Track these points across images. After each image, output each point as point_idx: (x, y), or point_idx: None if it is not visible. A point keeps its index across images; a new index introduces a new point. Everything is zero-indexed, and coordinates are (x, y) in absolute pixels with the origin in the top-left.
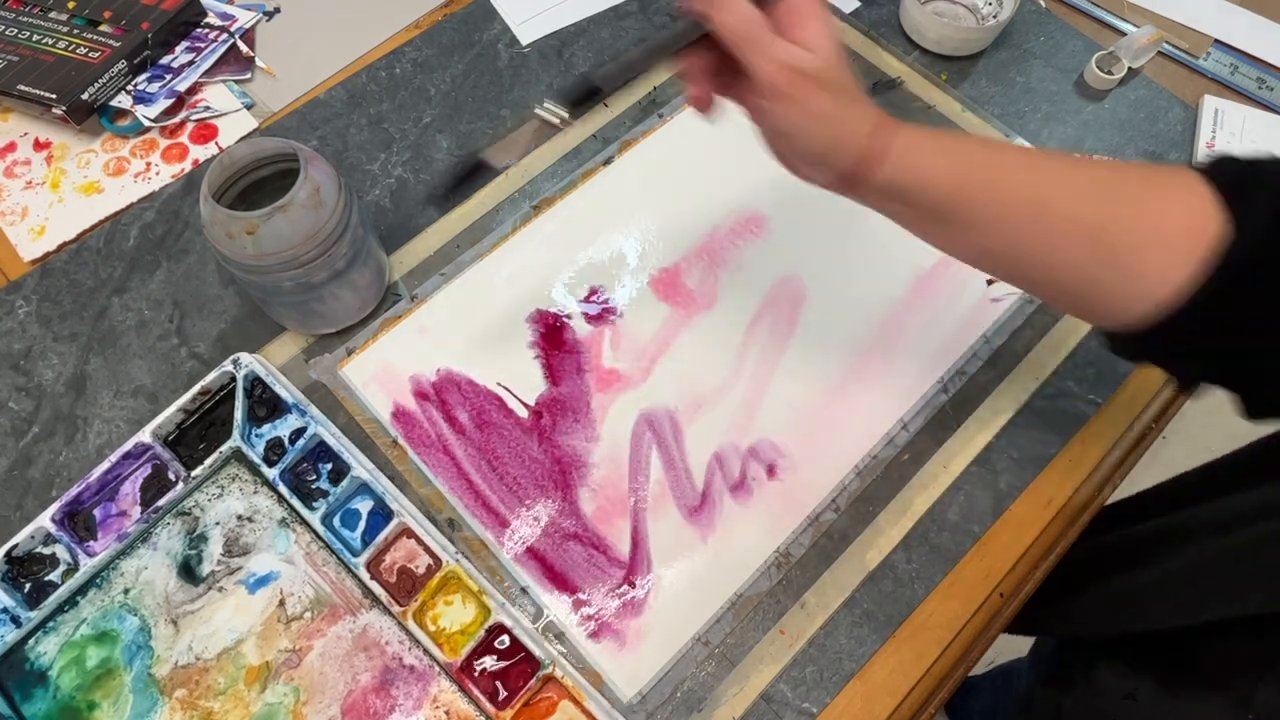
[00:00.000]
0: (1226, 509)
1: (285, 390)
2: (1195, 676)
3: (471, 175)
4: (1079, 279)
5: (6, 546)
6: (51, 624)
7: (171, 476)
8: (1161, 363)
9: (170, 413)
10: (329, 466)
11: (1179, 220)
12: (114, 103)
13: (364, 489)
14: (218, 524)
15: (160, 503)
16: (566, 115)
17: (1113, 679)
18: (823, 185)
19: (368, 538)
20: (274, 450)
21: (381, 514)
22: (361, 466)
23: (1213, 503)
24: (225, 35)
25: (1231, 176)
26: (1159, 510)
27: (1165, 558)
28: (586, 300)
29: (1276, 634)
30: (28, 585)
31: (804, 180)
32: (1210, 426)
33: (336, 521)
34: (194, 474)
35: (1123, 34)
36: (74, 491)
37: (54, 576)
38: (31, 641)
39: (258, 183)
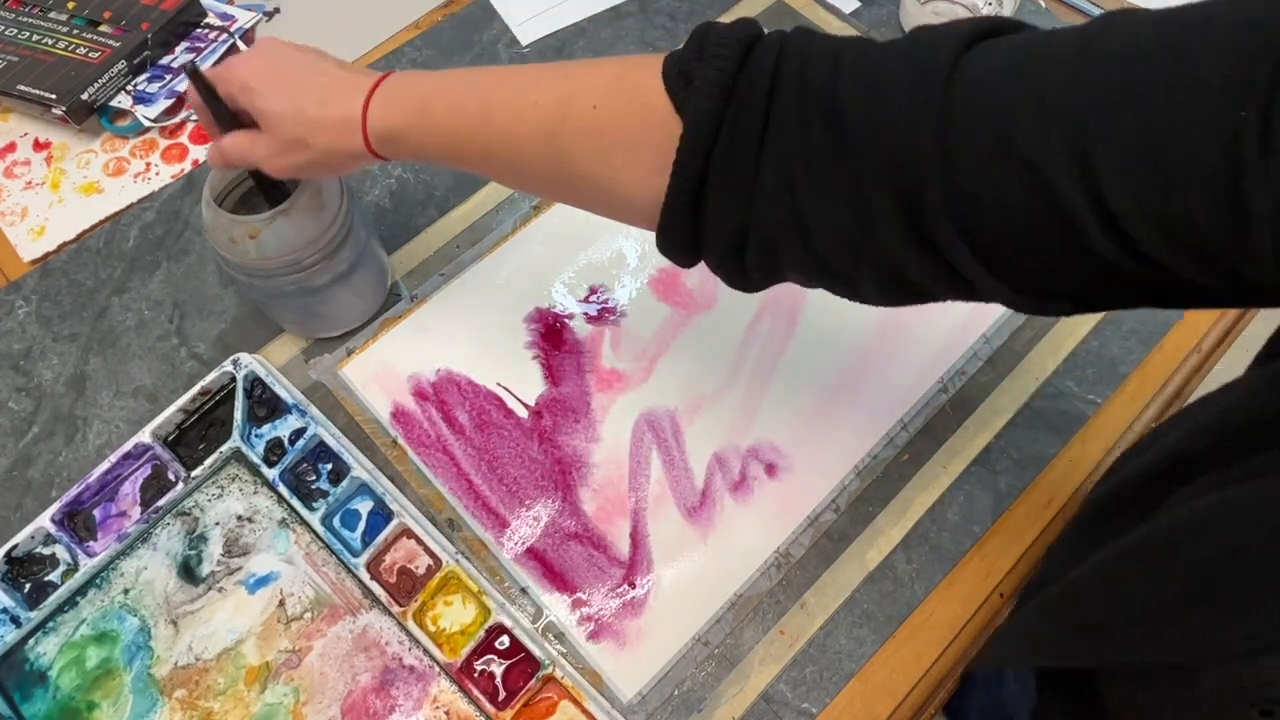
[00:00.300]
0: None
1: (285, 390)
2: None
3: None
4: (590, 205)
5: (6, 547)
6: (51, 624)
7: (171, 477)
8: (717, 271)
9: (170, 413)
10: (329, 467)
11: (636, 134)
12: (114, 103)
13: (364, 489)
14: (218, 524)
15: (160, 503)
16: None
17: (1114, 697)
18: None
19: (368, 538)
20: (274, 450)
21: (381, 514)
22: (361, 467)
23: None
24: (225, 35)
25: (680, 65)
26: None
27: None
28: (586, 300)
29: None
30: (28, 585)
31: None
32: None
33: (336, 522)
34: (194, 474)
35: None
36: (74, 492)
37: (54, 577)
38: (31, 642)
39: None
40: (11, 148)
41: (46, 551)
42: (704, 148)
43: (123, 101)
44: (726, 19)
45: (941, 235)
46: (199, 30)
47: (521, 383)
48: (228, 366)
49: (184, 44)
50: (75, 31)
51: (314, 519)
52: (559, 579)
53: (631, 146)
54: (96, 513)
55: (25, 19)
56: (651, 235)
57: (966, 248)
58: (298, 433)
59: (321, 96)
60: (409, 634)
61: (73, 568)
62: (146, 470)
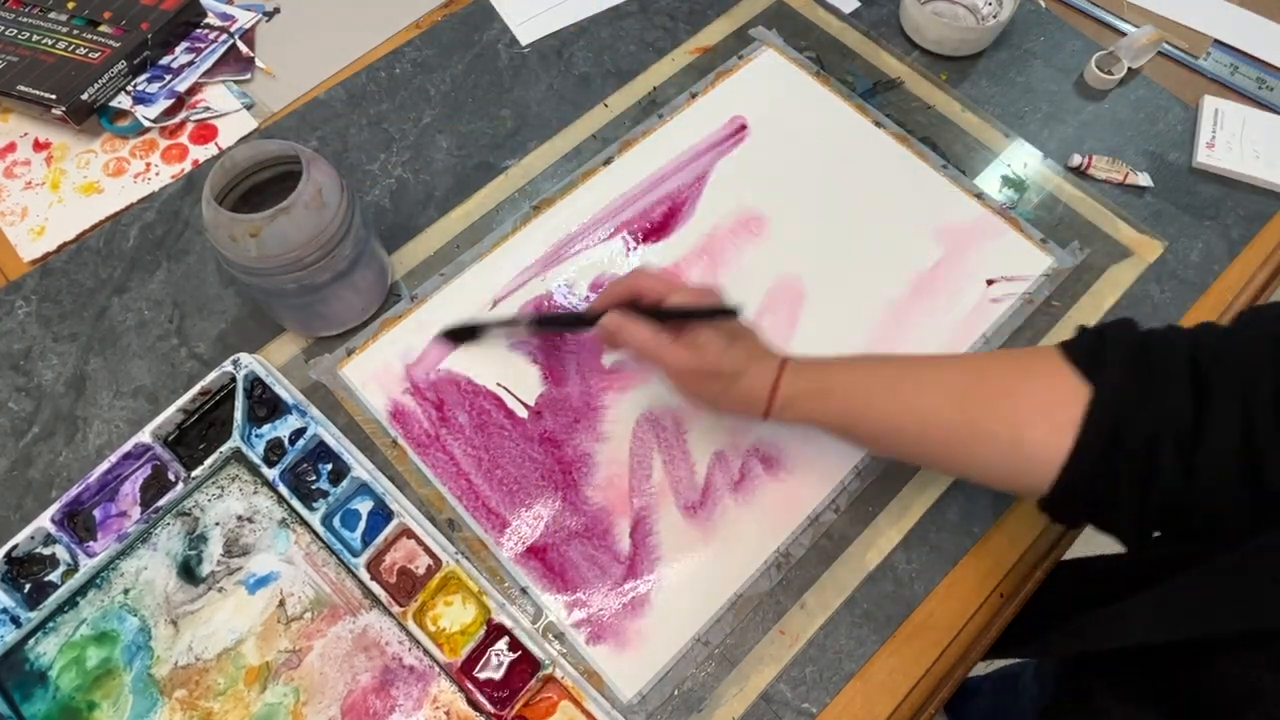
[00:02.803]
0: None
1: (285, 390)
2: (1195, 705)
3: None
4: (981, 462)
5: (6, 547)
6: (51, 624)
7: (171, 477)
8: (1097, 526)
9: (170, 413)
10: (329, 467)
11: (1048, 398)
12: (114, 103)
13: (364, 489)
14: (218, 524)
15: (160, 503)
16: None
17: (1113, 704)
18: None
19: (368, 538)
20: (274, 450)
21: (381, 514)
22: (361, 467)
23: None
24: (225, 35)
25: (1086, 348)
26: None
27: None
28: (587, 299)
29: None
30: (28, 585)
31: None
32: None
33: (336, 522)
34: (194, 474)
35: (1123, 34)
36: (74, 492)
37: (54, 577)
38: (31, 642)
39: (258, 186)
40: (11, 148)
41: (46, 551)
42: (1115, 410)
43: (123, 102)
44: (726, 19)
45: None
46: (199, 30)
47: (521, 383)
48: (228, 366)
49: (184, 44)
50: (75, 32)
51: (314, 519)
52: (559, 579)
53: (1040, 407)
54: (96, 513)
55: (25, 19)
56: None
57: None
58: (298, 433)
59: (756, 348)
60: (409, 634)
61: (73, 568)
62: (146, 470)
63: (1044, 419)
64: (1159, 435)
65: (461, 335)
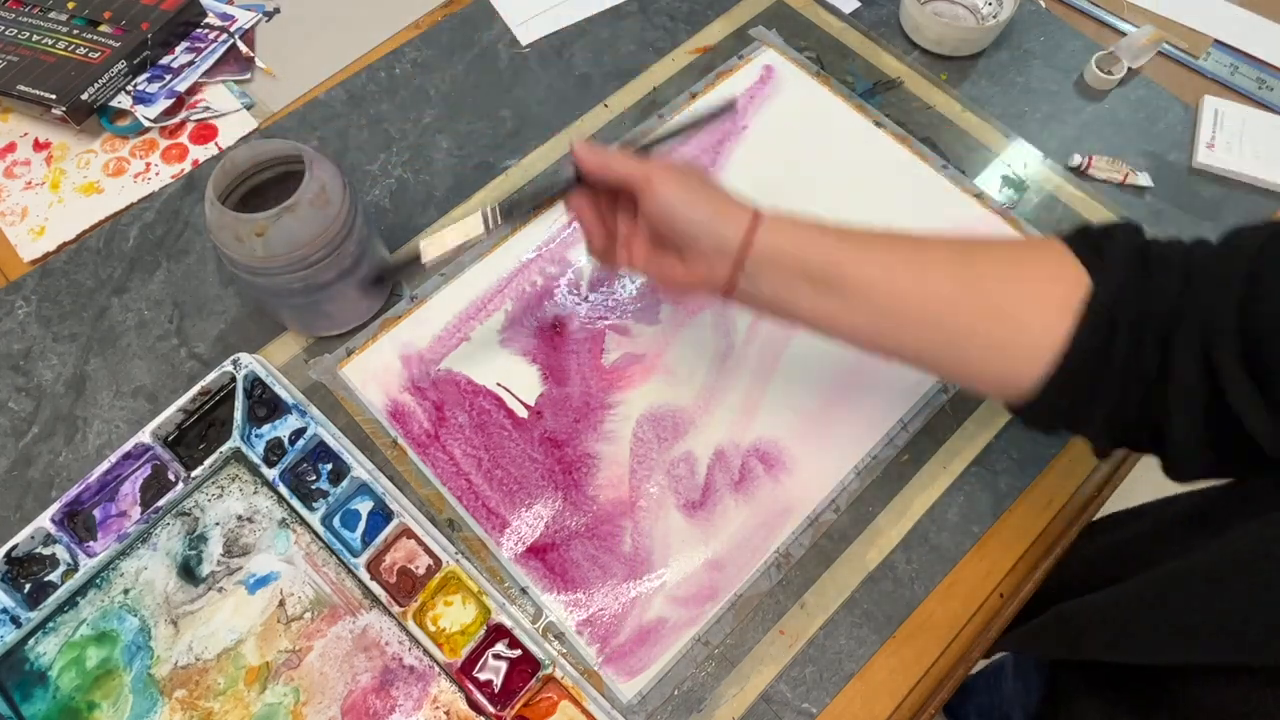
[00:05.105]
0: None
1: (285, 391)
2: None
3: (405, 268)
4: (972, 340)
5: (6, 547)
6: (51, 624)
7: (171, 477)
8: (1071, 426)
9: (170, 413)
10: (329, 467)
11: (1049, 284)
12: (114, 103)
13: (364, 489)
14: (217, 524)
15: (160, 503)
16: (489, 226)
17: (1095, 712)
18: (707, 281)
19: (368, 538)
20: (274, 451)
21: (381, 514)
22: (361, 467)
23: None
24: (225, 35)
25: (1088, 241)
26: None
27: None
28: (586, 300)
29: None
30: (28, 585)
31: (689, 291)
32: None
33: (336, 522)
34: (194, 474)
35: (1123, 34)
36: (74, 492)
37: (54, 577)
38: (31, 642)
39: (258, 188)
40: (11, 148)
41: (46, 551)
42: (1116, 299)
43: (123, 101)
44: (726, 19)
45: None
46: (199, 30)
47: (521, 382)
48: (228, 366)
49: (184, 44)
50: (75, 31)
51: (314, 519)
52: (559, 579)
53: (1041, 292)
54: (96, 513)
55: (25, 19)
56: None
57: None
58: (298, 433)
59: (727, 196)
60: (409, 634)
61: (73, 568)
62: (146, 470)
63: (1044, 302)
64: (1147, 327)
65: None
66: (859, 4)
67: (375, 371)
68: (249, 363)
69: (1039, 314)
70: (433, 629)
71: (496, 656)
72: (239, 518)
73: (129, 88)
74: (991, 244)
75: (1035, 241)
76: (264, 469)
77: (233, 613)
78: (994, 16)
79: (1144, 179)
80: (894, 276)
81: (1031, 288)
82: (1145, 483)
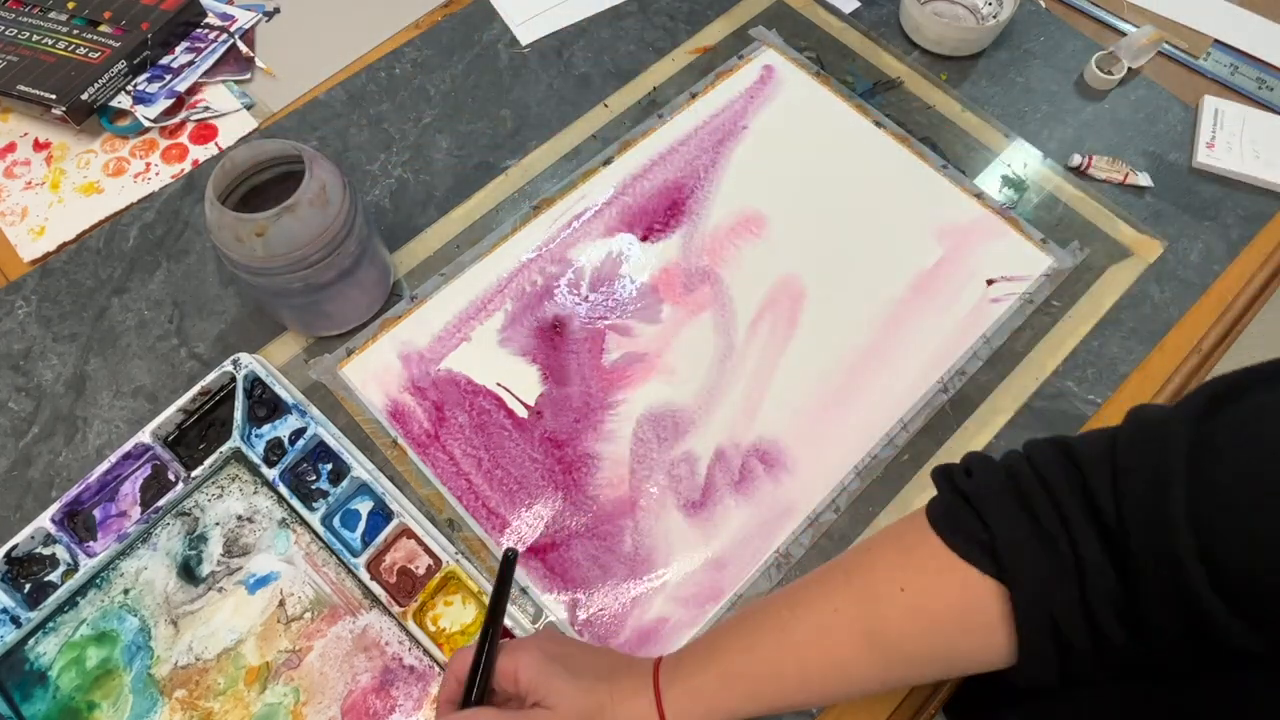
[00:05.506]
0: None
1: (285, 390)
2: None
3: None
4: (932, 671)
5: (6, 547)
6: (51, 624)
7: (171, 477)
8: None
9: (170, 413)
10: (329, 467)
11: (967, 615)
12: (114, 103)
13: (364, 489)
14: (217, 524)
15: (160, 503)
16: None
17: None
18: None
19: (368, 538)
20: (274, 451)
21: (381, 514)
22: (361, 467)
23: None
24: (225, 35)
25: (961, 532)
26: None
27: None
28: (587, 299)
29: None
30: (28, 585)
31: None
32: None
33: (336, 522)
34: (194, 474)
35: (1123, 34)
36: (74, 492)
37: (54, 577)
38: (31, 642)
39: (257, 188)
40: (11, 148)
41: (46, 551)
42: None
43: (123, 101)
44: (726, 19)
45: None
46: (199, 30)
47: (521, 382)
48: (228, 366)
49: (184, 44)
50: (75, 31)
51: (314, 519)
52: (560, 579)
53: (958, 612)
54: (96, 513)
55: (25, 19)
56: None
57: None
58: (298, 433)
59: (612, 668)
60: (409, 634)
61: (73, 568)
62: (146, 470)
63: (972, 635)
64: (1093, 608)
65: None
66: (859, 4)
67: (375, 371)
68: (249, 363)
69: (976, 645)
70: (433, 629)
71: None
72: (239, 518)
73: (129, 88)
74: (895, 598)
75: (925, 566)
76: (264, 469)
77: (233, 613)
78: (994, 16)
79: (1144, 179)
80: (824, 691)
81: (952, 630)
82: None
